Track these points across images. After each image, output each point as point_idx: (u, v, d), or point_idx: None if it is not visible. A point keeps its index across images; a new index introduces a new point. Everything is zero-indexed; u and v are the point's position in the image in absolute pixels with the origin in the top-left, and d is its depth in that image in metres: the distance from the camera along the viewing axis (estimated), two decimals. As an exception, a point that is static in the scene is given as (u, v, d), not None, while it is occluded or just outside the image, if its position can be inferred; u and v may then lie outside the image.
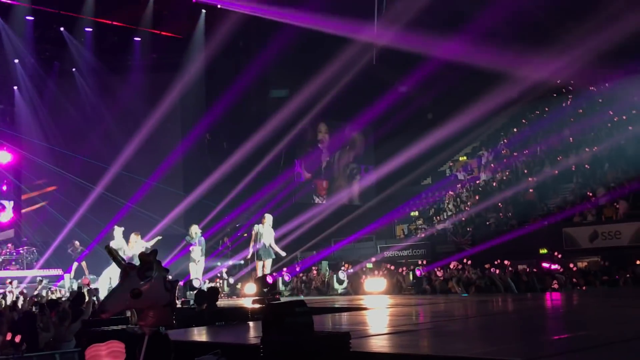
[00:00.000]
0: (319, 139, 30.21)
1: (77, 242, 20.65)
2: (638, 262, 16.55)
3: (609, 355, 4.90)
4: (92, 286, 16.06)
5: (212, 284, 17.64)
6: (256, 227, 16.09)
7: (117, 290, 3.68)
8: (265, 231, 15.96)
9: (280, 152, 27.60)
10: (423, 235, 24.55)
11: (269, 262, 16.00)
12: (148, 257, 3.80)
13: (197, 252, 16.09)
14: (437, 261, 18.79)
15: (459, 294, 15.22)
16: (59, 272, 19.92)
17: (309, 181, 29.77)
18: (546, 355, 4.88)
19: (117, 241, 16.95)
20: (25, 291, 17.13)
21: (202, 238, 16.52)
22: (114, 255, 3.90)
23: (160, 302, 3.78)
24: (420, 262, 20.02)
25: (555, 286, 15.08)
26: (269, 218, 16.21)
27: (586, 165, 23.28)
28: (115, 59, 25.83)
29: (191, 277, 15.86)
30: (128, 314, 10.14)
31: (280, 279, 18.73)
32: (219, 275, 20.35)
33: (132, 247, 16.41)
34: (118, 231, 17.05)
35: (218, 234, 23.25)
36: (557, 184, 23.45)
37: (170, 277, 3.93)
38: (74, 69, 25.96)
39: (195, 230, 16.36)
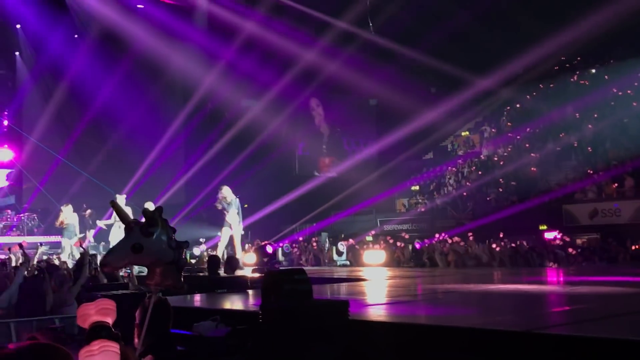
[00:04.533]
0: (314, 115, 30.06)
1: (88, 210, 20.47)
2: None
3: (609, 327, 4.91)
4: (92, 252, 16.13)
5: (213, 253, 17.62)
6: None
7: (119, 245, 3.69)
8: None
9: (280, 128, 27.52)
10: (423, 209, 24.55)
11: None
12: (152, 214, 3.79)
13: (232, 215, 15.22)
14: (437, 235, 18.79)
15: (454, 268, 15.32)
16: (59, 239, 19.94)
17: (310, 157, 29.69)
18: (544, 326, 4.89)
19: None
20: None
21: (237, 199, 15.43)
22: (117, 210, 3.90)
23: (163, 259, 3.78)
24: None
25: (553, 263, 15.12)
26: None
27: (588, 143, 23.20)
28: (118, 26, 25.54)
29: (220, 243, 15.52)
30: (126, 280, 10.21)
31: (280, 249, 18.81)
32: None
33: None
34: (121, 199, 17.14)
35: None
36: (559, 160, 23.39)
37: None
38: (75, 35, 25.71)
39: (226, 192, 15.33)
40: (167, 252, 3.77)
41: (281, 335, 4.97)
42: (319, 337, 4.93)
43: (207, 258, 15.62)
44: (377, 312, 6.22)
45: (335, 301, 5.28)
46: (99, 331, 2.51)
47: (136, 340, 4.31)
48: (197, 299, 8.21)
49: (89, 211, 20.36)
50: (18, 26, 25.09)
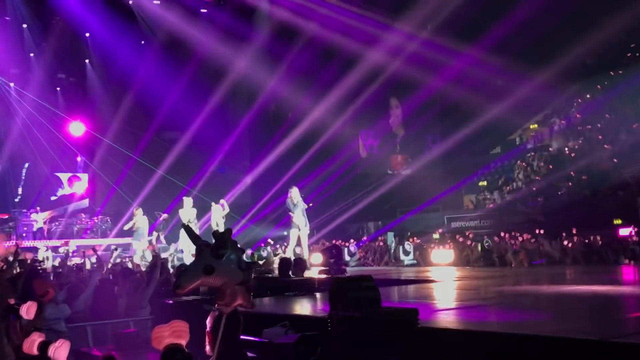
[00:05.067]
0: (390, 113, 29.93)
1: (163, 215, 20.95)
2: None
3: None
4: (164, 255, 16.52)
5: (279, 254, 17.77)
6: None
7: (191, 267, 3.79)
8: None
9: (345, 122, 27.50)
10: (492, 205, 24.09)
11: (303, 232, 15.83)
12: (222, 236, 3.87)
13: (298, 216, 15.67)
14: (507, 232, 18.40)
15: (527, 266, 14.96)
16: (130, 240, 20.49)
17: (379, 156, 29.59)
18: (623, 334, 4.71)
19: (186, 210, 17.44)
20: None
21: (303, 202, 15.95)
22: (190, 233, 4.00)
23: (233, 280, 3.86)
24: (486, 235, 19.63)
25: (629, 260, 14.58)
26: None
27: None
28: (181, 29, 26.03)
29: (289, 244, 15.94)
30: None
31: (346, 249, 18.79)
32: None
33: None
34: (188, 202, 17.55)
35: (282, 205, 23.46)
36: (633, 152, 22.55)
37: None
38: (142, 42, 26.34)
39: (294, 193, 15.85)
40: (236, 273, 3.84)
41: (350, 344, 4.96)
42: (389, 346, 4.89)
43: (273, 259, 15.90)
44: (448, 319, 6.13)
45: (404, 309, 5.21)
46: (173, 354, 2.56)
47: (208, 347, 4.39)
48: (267, 303, 8.28)
49: (163, 215, 20.81)
50: (87, 34, 25.87)
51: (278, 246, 20.05)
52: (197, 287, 3.81)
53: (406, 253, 17.87)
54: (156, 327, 2.69)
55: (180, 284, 3.68)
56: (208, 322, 4.46)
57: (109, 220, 23.82)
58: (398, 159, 29.81)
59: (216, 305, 3.99)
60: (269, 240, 21.13)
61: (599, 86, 28.06)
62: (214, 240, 3.87)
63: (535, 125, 29.07)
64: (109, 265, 14.87)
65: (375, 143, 29.73)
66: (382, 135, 29.79)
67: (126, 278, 11.15)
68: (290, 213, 15.91)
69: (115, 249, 18.67)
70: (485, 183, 26.64)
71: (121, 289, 10.52)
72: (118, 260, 17.67)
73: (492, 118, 25.92)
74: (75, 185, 26.62)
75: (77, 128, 26.68)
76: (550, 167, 24.47)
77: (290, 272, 11.04)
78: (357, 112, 27.41)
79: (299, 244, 16.01)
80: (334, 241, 21.39)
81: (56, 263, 16.37)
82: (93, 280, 10.80)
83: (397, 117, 29.96)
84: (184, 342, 2.65)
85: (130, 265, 15.30)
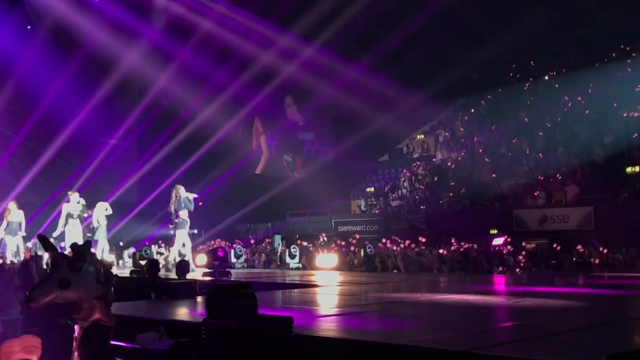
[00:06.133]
0: (287, 111, 30.00)
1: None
2: (579, 247, 16.98)
3: (551, 345, 4.97)
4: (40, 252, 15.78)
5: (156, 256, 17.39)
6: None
7: (46, 280, 3.60)
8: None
9: (239, 123, 27.40)
10: (377, 211, 24.68)
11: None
12: (80, 248, 3.72)
13: (185, 215, 15.50)
14: (390, 238, 18.90)
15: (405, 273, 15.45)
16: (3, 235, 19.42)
17: (275, 156, 29.60)
18: (488, 345, 4.92)
19: (71, 205, 16.86)
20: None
21: (190, 199, 15.68)
22: (46, 244, 3.80)
23: (91, 294, 3.71)
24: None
25: (502, 268, 15.34)
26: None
27: (540, 149, 23.63)
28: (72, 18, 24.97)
29: (175, 245, 15.62)
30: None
31: (232, 251, 18.70)
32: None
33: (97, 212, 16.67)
34: (74, 196, 16.99)
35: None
36: (511, 166, 23.75)
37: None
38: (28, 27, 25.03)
39: (181, 191, 15.62)
40: (95, 286, 3.69)
41: (224, 352, 4.91)
42: (263, 354, 4.88)
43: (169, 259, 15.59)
44: (324, 326, 6.20)
45: (279, 317, 5.22)
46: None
47: (75, 354, 4.21)
48: (141, 307, 8.06)
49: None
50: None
51: (164, 246, 19.64)
52: (52, 301, 3.59)
53: (292, 256, 17.98)
54: (6, 342, 2.54)
55: (34, 297, 3.48)
56: (76, 332, 4.28)
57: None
58: (294, 162, 29.94)
59: (72, 318, 3.82)
60: (156, 239, 20.68)
61: (482, 101, 29.39)
62: (71, 252, 3.71)
63: (422, 136, 30.05)
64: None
65: (273, 144, 29.76)
66: (280, 137, 29.86)
67: (-4, 276, 10.58)
68: (177, 212, 15.62)
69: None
70: (372, 189, 27.25)
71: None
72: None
73: (381, 126, 26.63)
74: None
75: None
76: (434, 177, 25.35)
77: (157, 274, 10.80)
78: (253, 111, 27.36)
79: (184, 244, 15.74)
80: (219, 241, 21.24)
81: None
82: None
83: (294, 115, 30.10)
84: (35, 358, 2.52)
85: (0, 261, 14.52)
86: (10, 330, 9.07)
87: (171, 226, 16.18)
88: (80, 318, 3.71)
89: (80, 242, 4.13)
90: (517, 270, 15.60)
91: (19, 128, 23.81)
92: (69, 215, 16.79)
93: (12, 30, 23.72)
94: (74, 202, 17.00)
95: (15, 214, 17.18)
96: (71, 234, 16.48)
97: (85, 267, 3.61)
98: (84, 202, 17.17)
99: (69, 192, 17.62)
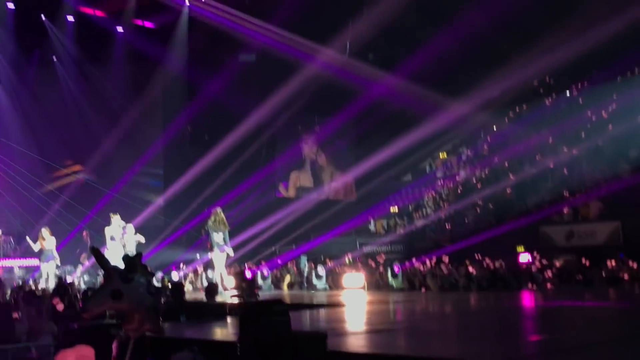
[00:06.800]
0: (302, 135, 30.16)
1: (84, 232, 20.08)
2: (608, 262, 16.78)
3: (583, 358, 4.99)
4: (70, 278, 16.01)
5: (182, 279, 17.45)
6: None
7: (99, 291, 3.71)
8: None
9: (262, 146, 27.58)
10: (402, 231, 24.63)
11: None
12: (132, 260, 3.82)
13: (219, 238, 15.25)
14: (416, 257, 18.86)
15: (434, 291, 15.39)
16: (35, 262, 19.69)
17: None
18: (522, 357, 4.95)
19: (113, 227, 16.88)
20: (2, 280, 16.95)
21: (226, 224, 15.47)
22: (98, 257, 3.91)
23: (142, 305, 3.80)
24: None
25: (532, 285, 15.25)
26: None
27: (564, 166, 23.47)
28: (97, 49, 25.53)
29: (217, 268, 15.42)
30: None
31: (259, 273, 18.75)
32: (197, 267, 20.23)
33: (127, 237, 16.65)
34: (115, 219, 16.99)
35: (199, 226, 23.20)
36: (536, 183, 23.61)
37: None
38: (54, 58, 25.61)
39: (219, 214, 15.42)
40: (145, 297, 3.79)
41: (260, 368, 4.97)
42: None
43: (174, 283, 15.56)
44: (356, 343, 6.25)
45: (314, 333, 5.29)
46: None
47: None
48: (174, 328, 8.14)
49: (84, 232, 20.02)
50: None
51: (190, 269, 19.77)
52: (104, 312, 3.72)
53: (318, 277, 18.01)
54: (60, 352, 2.65)
55: (88, 308, 3.60)
56: (114, 347, 4.37)
57: (12, 240, 22.75)
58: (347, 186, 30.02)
59: (124, 330, 3.92)
60: (181, 263, 20.82)
61: (505, 118, 29.34)
62: (123, 264, 3.82)
63: (445, 154, 30.01)
64: (7, 291, 14.24)
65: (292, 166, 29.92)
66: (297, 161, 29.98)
67: (29, 302, 10.74)
68: (211, 234, 15.40)
69: (16, 269, 17.93)
70: (396, 209, 27.21)
71: (22, 314, 10.13)
72: (19, 282, 16.99)
73: (404, 146, 26.64)
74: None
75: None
76: (457, 195, 25.27)
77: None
78: (274, 132, 27.56)
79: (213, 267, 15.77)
80: (246, 264, 21.32)
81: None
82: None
83: (310, 142, 30.19)
84: (89, 367, 2.62)
85: (34, 287, 14.74)
86: (44, 355, 9.25)
87: (210, 249, 15.90)
88: (131, 329, 3.80)
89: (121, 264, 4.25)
90: (548, 286, 15.47)
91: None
92: (111, 238, 16.79)
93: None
94: (115, 225, 17.01)
95: (49, 241, 17.36)
96: (113, 257, 16.43)
97: (137, 278, 3.71)
98: (124, 224, 17.13)
99: (111, 214, 17.49)
